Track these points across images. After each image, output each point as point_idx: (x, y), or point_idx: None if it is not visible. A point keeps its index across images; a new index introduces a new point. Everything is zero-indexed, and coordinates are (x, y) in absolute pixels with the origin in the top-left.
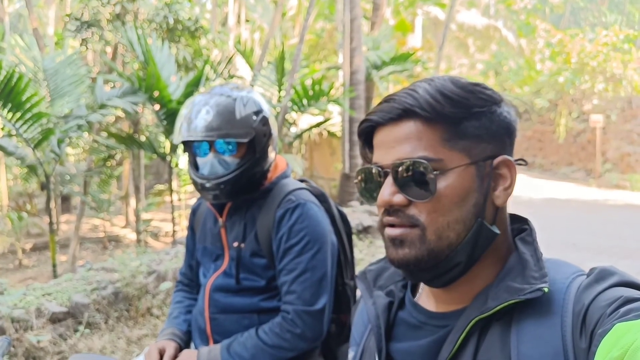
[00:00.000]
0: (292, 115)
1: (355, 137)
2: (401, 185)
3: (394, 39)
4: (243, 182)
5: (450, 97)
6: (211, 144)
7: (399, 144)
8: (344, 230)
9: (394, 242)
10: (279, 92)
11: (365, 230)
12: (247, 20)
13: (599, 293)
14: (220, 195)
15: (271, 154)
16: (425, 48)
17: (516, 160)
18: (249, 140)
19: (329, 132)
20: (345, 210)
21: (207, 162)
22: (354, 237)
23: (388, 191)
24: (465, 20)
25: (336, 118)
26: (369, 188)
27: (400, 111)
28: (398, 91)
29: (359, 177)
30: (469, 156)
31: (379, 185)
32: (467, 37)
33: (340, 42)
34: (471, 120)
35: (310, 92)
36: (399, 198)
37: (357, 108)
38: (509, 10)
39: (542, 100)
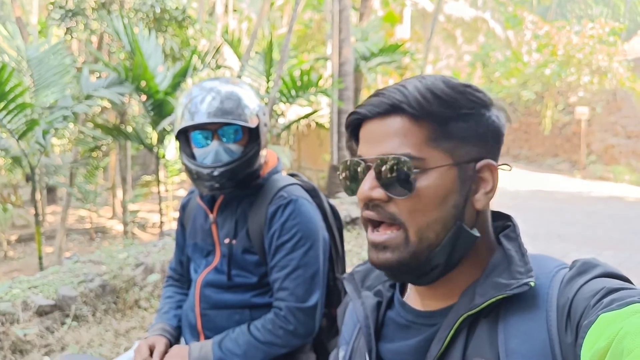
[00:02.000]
0: (280, 107)
1: (344, 129)
2: (382, 180)
3: (382, 30)
4: (246, 172)
5: (440, 96)
6: (214, 132)
7: (385, 139)
8: (335, 225)
9: (377, 247)
10: (267, 82)
11: (353, 221)
12: (234, 10)
13: (582, 285)
14: (223, 185)
15: (264, 150)
16: (414, 39)
17: (500, 164)
18: (254, 127)
19: (317, 123)
20: (333, 201)
21: (210, 150)
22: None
23: (368, 185)
24: (453, 11)
25: (324, 109)
26: (352, 180)
27: (388, 106)
28: (388, 86)
29: (342, 169)
30: (452, 157)
31: (361, 178)
32: (455, 28)
33: (328, 32)
34: (458, 122)
35: (299, 83)
36: (379, 193)
37: (345, 99)
38: (497, 2)
39: (529, 92)
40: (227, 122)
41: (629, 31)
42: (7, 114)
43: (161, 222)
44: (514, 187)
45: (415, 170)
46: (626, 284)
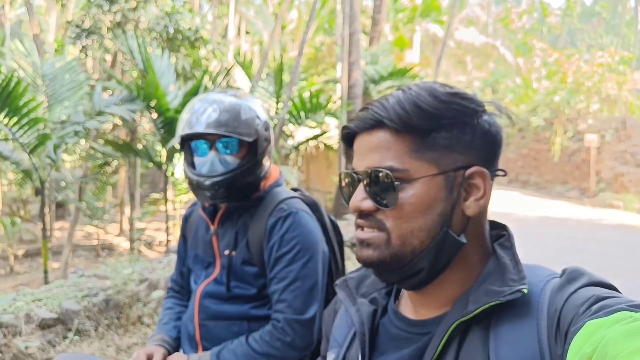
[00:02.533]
0: (289, 128)
1: (352, 151)
2: (370, 191)
3: (392, 54)
4: (240, 184)
5: (421, 108)
6: (212, 143)
7: (371, 153)
8: (335, 239)
9: (362, 244)
10: (277, 103)
11: None
12: (247, 32)
13: (571, 294)
14: (216, 195)
15: (267, 162)
16: (423, 64)
17: (496, 170)
18: (251, 141)
19: (325, 145)
20: (340, 223)
21: (207, 160)
22: (348, 250)
23: (359, 197)
24: (463, 37)
25: (333, 131)
26: (348, 191)
27: (372, 121)
28: (375, 100)
29: (340, 180)
30: (438, 166)
31: (353, 189)
32: (465, 54)
33: (339, 55)
34: (440, 132)
35: (308, 105)
36: (368, 204)
37: None
38: (507, 30)
39: (538, 119)
40: (221, 134)
41: (638, 60)
42: (20, 128)
43: (167, 241)
44: (523, 213)
45: (397, 183)
46: (614, 292)
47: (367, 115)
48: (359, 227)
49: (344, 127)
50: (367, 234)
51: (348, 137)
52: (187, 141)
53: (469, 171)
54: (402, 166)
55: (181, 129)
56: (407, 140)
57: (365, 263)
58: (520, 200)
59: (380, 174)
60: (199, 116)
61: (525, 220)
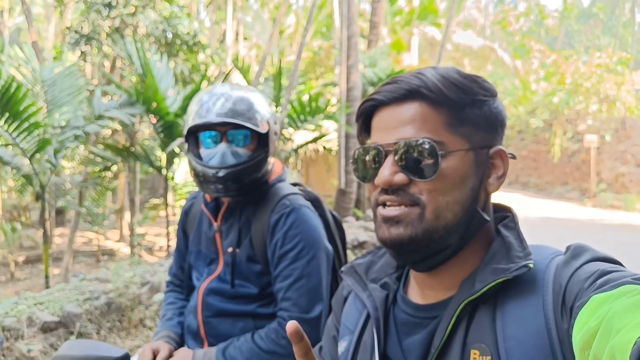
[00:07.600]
0: (289, 131)
1: (351, 153)
2: (404, 164)
3: (390, 57)
4: (250, 178)
5: (455, 84)
6: (223, 134)
7: (403, 125)
8: (337, 235)
9: (389, 222)
10: (276, 107)
11: (361, 245)
12: (245, 38)
13: (576, 269)
14: (225, 188)
15: (271, 158)
16: (422, 67)
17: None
18: (264, 133)
19: (325, 148)
20: None
21: (217, 152)
22: (349, 252)
23: (389, 170)
24: (461, 40)
25: (332, 134)
26: (366, 167)
27: (406, 92)
28: (403, 74)
29: (356, 157)
30: (469, 142)
31: (377, 164)
32: (463, 57)
33: (337, 59)
34: (473, 108)
35: (307, 109)
36: (400, 177)
37: (353, 124)
38: (505, 32)
39: (537, 120)
40: (237, 124)
41: (636, 61)
42: (20, 133)
43: (168, 245)
44: (523, 214)
45: (441, 152)
46: (618, 267)
47: (401, 86)
48: (383, 205)
49: (368, 99)
50: (397, 210)
51: (367, 112)
52: (193, 133)
53: (492, 150)
54: (438, 139)
55: (191, 120)
56: (443, 114)
57: (394, 242)
58: (521, 202)
59: (422, 145)
60: (210, 106)
61: (526, 221)
